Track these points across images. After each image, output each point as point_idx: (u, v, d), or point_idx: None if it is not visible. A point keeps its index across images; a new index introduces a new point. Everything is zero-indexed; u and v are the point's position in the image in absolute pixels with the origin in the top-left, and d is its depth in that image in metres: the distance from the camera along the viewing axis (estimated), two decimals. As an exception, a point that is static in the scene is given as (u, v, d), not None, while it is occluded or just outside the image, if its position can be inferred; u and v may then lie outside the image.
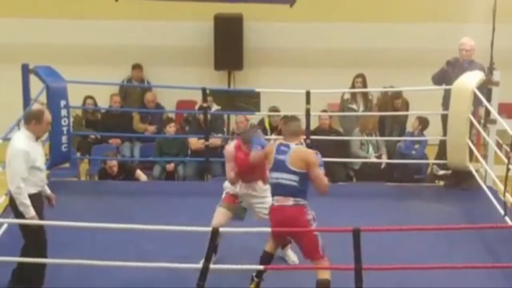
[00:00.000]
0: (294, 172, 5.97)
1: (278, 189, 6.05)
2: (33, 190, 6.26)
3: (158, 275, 6.32)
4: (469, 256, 6.84)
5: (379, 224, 6.86)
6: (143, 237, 6.94)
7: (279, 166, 6.03)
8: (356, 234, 5.49)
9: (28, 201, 6.15)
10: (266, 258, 6.23)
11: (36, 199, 6.28)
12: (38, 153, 6.31)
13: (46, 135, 8.76)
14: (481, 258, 6.90)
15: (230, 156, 6.72)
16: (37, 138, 6.37)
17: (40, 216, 6.28)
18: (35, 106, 6.98)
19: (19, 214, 6.21)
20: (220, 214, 6.69)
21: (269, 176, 6.18)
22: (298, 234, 6.06)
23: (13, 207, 6.29)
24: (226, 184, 6.89)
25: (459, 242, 7.08)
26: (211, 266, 5.58)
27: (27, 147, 6.17)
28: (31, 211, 6.17)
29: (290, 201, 6.00)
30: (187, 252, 6.56)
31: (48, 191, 6.56)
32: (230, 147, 6.82)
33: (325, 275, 5.91)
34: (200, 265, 5.60)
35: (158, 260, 6.51)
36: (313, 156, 5.99)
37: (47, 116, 6.37)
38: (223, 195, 6.84)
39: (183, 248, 6.67)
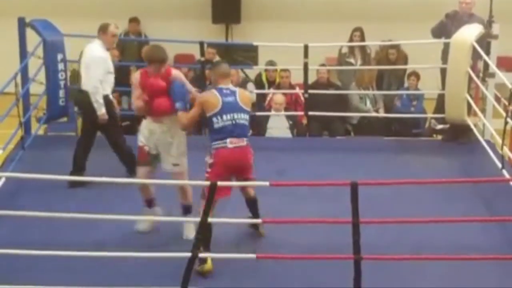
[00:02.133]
0: (246, 112, 6.22)
1: (233, 130, 6.11)
2: (106, 92, 7.56)
3: (156, 229, 6.34)
4: (466, 210, 6.87)
5: (377, 178, 6.88)
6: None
7: (233, 107, 6.15)
8: (354, 188, 5.50)
9: (102, 100, 7.45)
10: (251, 204, 6.44)
11: (108, 100, 7.56)
12: (109, 60, 7.67)
13: (43, 89, 8.82)
14: (478, 212, 6.93)
15: (137, 82, 6.43)
16: (108, 48, 7.64)
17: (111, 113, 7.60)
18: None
19: (87, 111, 7.54)
20: (142, 176, 6.47)
21: (216, 120, 6.11)
22: (249, 170, 6.27)
23: (82, 105, 7.67)
24: (140, 137, 6.58)
25: (456, 196, 7.10)
26: (209, 219, 5.59)
27: (103, 54, 7.55)
28: (103, 109, 7.48)
29: (244, 142, 6.17)
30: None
31: None
32: (137, 74, 6.55)
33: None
34: (198, 218, 5.62)
35: (157, 214, 6.55)
36: None
37: (112, 29, 7.62)
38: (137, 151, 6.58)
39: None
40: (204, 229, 5.56)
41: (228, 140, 6.10)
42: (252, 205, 6.47)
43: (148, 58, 6.46)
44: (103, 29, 7.63)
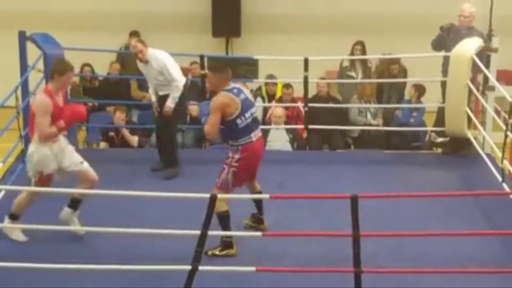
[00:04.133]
0: (254, 104, 6.53)
1: (254, 125, 6.38)
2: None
3: (155, 242, 6.33)
4: (467, 223, 6.86)
5: (377, 191, 6.88)
6: (141, 204, 6.95)
7: (248, 103, 6.38)
8: (354, 201, 5.50)
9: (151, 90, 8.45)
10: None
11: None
12: (144, 71, 8.40)
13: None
14: (479, 225, 6.92)
15: (48, 108, 6.27)
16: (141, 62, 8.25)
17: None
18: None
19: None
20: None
21: (240, 121, 6.26)
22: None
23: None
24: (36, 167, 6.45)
25: (456, 209, 7.09)
26: (209, 232, 5.58)
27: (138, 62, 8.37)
28: (153, 98, 8.44)
29: (260, 132, 6.48)
30: (185, 219, 6.57)
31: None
32: (44, 98, 6.32)
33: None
34: (198, 231, 5.61)
35: (156, 227, 6.53)
36: None
37: (131, 49, 8.50)
38: (36, 176, 6.45)
39: (181, 215, 6.67)
40: (203, 241, 5.55)
41: (252, 134, 6.32)
42: (258, 201, 6.60)
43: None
44: None
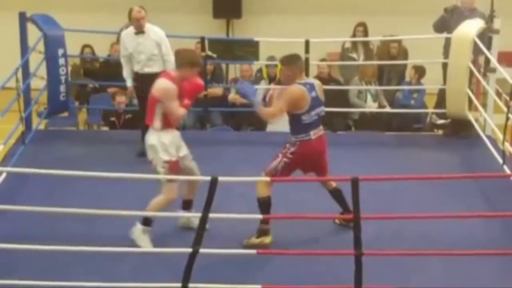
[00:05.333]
0: (323, 103, 6.37)
1: (316, 123, 6.29)
2: (135, 69, 8.13)
3: (156, 224, 6.34)
4: (467, 205, 6.86)
5: (377, 173, 6.88)
6: (142, 185, 6.95)
7: (317, 102, 6.27)
8: (355, 183, 5.49)
9: (124, 73, 8.20)
10: (336, 194, 6.54)
11: (136, 77, 8.16)
12: (134, 42, 8.07)
13: (44, 84, 8.82)
14: (479, 207, 6.92)
15: (174, 92, 6.24)
16: (137, 32, 8.06)
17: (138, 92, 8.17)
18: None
19: None
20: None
21: (305, 118, 6.20)
22: (324, 155, 6.46)
23: None
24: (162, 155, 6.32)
25: (457, 191, 7.10)
26: (210, 214, 5.59)
27: (123, 35, 8.24)
28: (127, 82, 8.25)
29: (322, 130, 6.35)
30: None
31: None
32: (168, 84, 6.25)
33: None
34: (199, 213, 5.62)
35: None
36: None
37: (133, 13, 8.06)
38: (165, 167, 6.31)
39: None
40: (204, 224, 5.55)
41: (311, 132, 6.26)
42: (338, 196, 6.53)
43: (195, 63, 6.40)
44: (128, 15, 8.40)
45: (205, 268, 5.66)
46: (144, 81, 7.95)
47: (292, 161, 6.28)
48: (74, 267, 5.87)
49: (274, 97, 6.50)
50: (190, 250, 5.49)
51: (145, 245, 6.17)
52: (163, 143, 6.29)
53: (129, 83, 8.23)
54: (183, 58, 6.32)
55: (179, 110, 6.30)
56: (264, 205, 6.22)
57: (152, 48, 8.06)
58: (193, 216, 6.36)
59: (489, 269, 5.94)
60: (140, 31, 8.04)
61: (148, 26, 8.10)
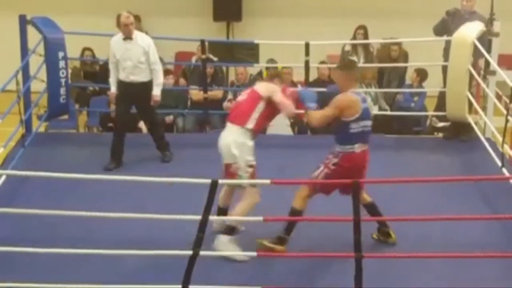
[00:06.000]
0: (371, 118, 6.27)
1: (361, 137, 6.16)
2: (120, 77, 8.05)
3: (156, 227, 6.34)
4: (467, 208, 6.87)
5: (377, 176, 6.88)
6: (142, 189, 6.95)
7: (367, 114, 6.18)
8: (355, 186, 5.50)
9: (110, 79, 8.09)
10: (371, 209, 6.35)
11: (121, 85, 8.05)
12: (123, 49, 8.00)
13: (44, 86, 8.82)
14: (479, 209, 6.93)
15: (279, 89, 6.43)
16: (126, 37, 8.00)
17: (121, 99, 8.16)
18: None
19: None
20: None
21: (353, 126, 6.10)
22: (365, 170, 6.27)
23: None
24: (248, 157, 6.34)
25: (457, 194, 7.10)
26: (210, 217, 5.59)
27: (112, 42, 8.09)
28: (111, 87, 8.15)
29: (366, 146, 6.22)
30: (186, 204, 6.57)
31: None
32: (273, 85, 6.44)
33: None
34: (199, 216, 5.61)
35: (156, 212, 6.54)
36: None
37: (122, 19, 7.98)
38: (249, 171, 6.33)
39: (182, 200, 6.68)
40: (203, 227, 5.55)
41: (357, 145, 6.15)
42: (373, 210, 6.35)
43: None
44: (116, 20, 8.10)
45: (205, 270, 5.67)
46: (129, 90, 8.03)
47: (332, 173, 6.15)
48: (74, 269, 5.87)
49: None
50: (190, 252, 5.49)
51: (238, 255, 6.10)
52: (250, 146, 6.33)
53: (113, 88, 8.17)
54: (272, 74, 6.66)
55: (292, 106, 6.39)
56: (295, 216, 6.11)
57: (139, 55, 8.00)
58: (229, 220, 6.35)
59: (489, 272, 5.94)
60: (128, 37, 8.00)
61: (137, 33, 8.09)
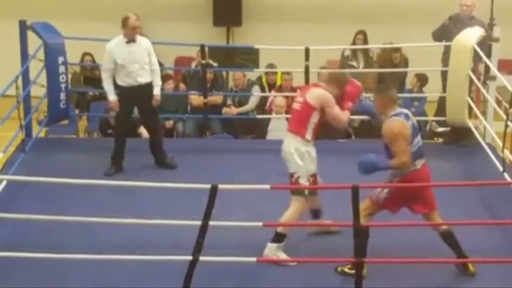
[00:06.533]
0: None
1: (420, 152, 6.08)
2: (122, 83, 7.94)
3: (156, 233, 6.34)
4: (468, 213, 6.86)
5: (378, 181, 6.86)
6: (141, 194, 6.95)
7: (415, 131, 6.10)
8: (355, 191, 5.50)
9: (107, 87, 7.96)
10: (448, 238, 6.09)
11: (126, 91, 7.92)
12: (126, 53, 7.88)
13: (44, 91, 8.82)
14: (479, 215, 6.92)
15: (333, 100, 6.36)
16: (129, 41, 7.90)
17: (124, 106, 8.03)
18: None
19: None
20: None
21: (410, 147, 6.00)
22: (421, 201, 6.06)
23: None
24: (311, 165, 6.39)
25: (457, 199, 7.09)
26: (210, 223, 5.58)
27: (111, 46, 7.94)
28: (110, 96, 7.93)
29: (424, 160, 6.13)
30: (186, 209, 6.57)
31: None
32: (326, 92, 6.34)
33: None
34: (199, 222, 5.61)
35: (156, 217, 6.54)
36: None
37: (131, 22, 7.86)
38: (310, 180, 6.34)
39: (182, 205, 6.67)
40: (203, 233, 5.54)
41: (416, 162, 6.06)
42: (450, 241, 6.07)
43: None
44: (123, 22, 7.95)
45: (205, 276, 5.66)
46: (136, 93, 7.98)
47: (395, 190, 6.04)
48: (74, 274, 5.86)
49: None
50: (190, 258, 5.49)
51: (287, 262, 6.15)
52: (313, 156, 6.35)
53: (113, 96, 8.03)
54: (335, 79, 6.55)
55: (344, 116, 6.41)
56: (365, 236, 5.84)
57: (144, 56, 8.01)
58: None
59: (490, 277, 5.94)
60: (132, 40, 7.98)
61: (137, 36, 8.06)
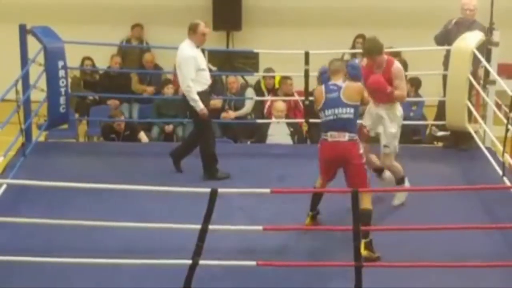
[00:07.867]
0: (350, 106, 6.39)
1: (334, 125, 6.39)
2: (200, 88, 7.74)
3: (156, 236, 6.34)
4: (468, 217, 6.86)
5: (377, 185, 6.88)
6: (141, 198, 6.96)
7: (335, 102, 6.38)
8: (355, 195, 5.50)
9: (197, 97, 7.67)
10: (317, 195, 6.58)
11: (204, 96, 7.79)
12: (201, 57, 7.90)
13: (44, 96, 8.83)
14: (479, 219, 6.93)
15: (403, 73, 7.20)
16: (197, 46, 7.88)
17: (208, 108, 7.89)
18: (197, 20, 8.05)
19: (191, 108, 7.80)
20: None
21: (321, 115, 6.43)
22: (350, 165, 6.37)
23: (186, 103, 7.86)
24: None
25: (457, 203, 7.10)
26: (210, 227, 5.58)
27: (192, 53, 7.76)
28: (201, 105, 7.70)
29: (345, 137, 6.38)
30: (186, 213, 6.58)
31: None
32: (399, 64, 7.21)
33: (368, 205, 6.24)
34: (198, 226, 5.61)
35: (157, 221, 6.54)
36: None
37: (202, 28, 7.88)
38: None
39: (182, 209, 6.68)
40: (203, 236, 5.55)
41: (329, 133, 6.39)
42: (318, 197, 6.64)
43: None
44: (193, 29, 7.91)
45: (205, 279, 5.66)
46: (209, 96, 8.19)
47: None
48: (74, 278, 5.86)
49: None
50: (189, 261, 5.49)
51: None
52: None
53: (203, 105, 7.81)
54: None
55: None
56: (368, 217, 6.20)
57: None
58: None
59: (490, 281, 5.94)
60: (201, 45, 8.00)
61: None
